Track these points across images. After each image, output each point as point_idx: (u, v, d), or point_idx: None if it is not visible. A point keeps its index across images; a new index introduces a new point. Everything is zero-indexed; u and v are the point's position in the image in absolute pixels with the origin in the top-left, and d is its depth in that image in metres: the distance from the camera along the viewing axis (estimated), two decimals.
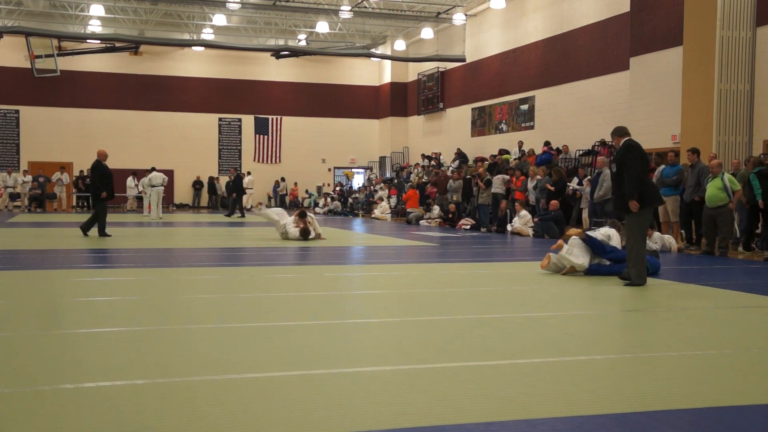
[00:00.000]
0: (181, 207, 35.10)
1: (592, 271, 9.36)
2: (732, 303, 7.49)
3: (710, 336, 5.87)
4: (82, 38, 30.76)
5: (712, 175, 12.80)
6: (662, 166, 14.70)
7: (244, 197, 27.60)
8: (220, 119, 36.35)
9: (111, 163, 34.05)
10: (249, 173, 33.33)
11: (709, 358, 4.98)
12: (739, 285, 8.77)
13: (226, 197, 35.22)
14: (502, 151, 25.70)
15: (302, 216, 15.53)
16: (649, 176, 8.85)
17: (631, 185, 8.49)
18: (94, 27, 31.47)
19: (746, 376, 4.54)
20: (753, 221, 13.78)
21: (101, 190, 15.49)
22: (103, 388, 4.04)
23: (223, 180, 35.55)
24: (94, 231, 15.61)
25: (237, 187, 26.68)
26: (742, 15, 16.12)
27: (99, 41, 31.59)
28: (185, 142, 35.30)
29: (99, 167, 15.86)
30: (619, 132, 9.00)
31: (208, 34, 32.63)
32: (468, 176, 22.51)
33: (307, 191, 36.67)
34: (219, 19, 30.21)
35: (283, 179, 35.66)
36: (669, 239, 13.54)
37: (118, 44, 31.65)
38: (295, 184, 35.96)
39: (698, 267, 10.52)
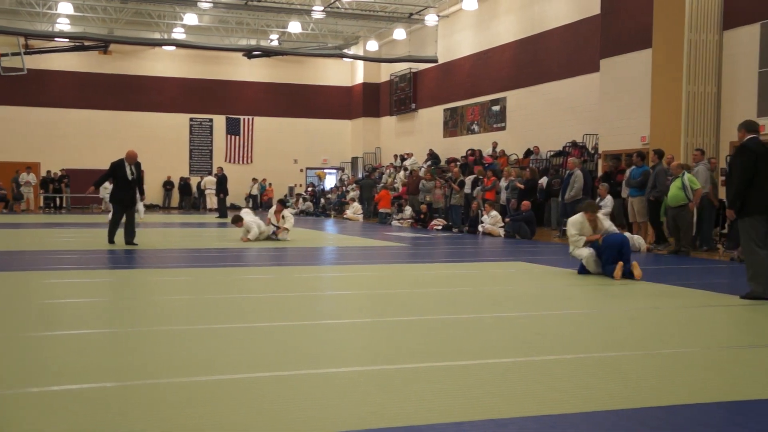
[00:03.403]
0: (151, 208, 34.75)
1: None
2: (699, 302, 7.59)
3: (678, 334, 5.95)
4: (50, 36, 30.33)
5: (674, 175, 13.07)
6: (632, 167, 14.93)
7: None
8: (191, 119, 36.08)
9: (79, 164, 33.45)
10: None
11: (677, 357, 5.05)
12: (705, 284, 8.89)
13: (197, 198, 35.06)
14: (470, 152, 25.87)
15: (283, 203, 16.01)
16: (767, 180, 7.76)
17: (731, 192, 7.89)
18: (62, 25, 31.06)
19: (713, 373, 4.60)
20: (712, 221, 14.14)
21: (114, 189, 13.96)
22: (72, 391, 3.98)
23: (194, 180, 35.34)
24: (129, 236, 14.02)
25: (222, 187, 26.24)
26: (709, 18, 16.37)
27: (67, 40, 31.18)
28: (156, 143, 34.94)
29: (114, 166, 13.89)
30: (746, 126, 8.03)
31: (179, 34, 32.38)
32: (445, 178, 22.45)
33: (290, 188, 36.25)
34: (190, 18, 29.98)
35: (254, 179, 35.43)
36: (638, 239, 13.69)
37: (86, 43, 31.26)
38: (270, 185, 35.65)
39: (666, 267, 10.65)
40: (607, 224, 9.96)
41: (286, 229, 15.42)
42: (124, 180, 13.71)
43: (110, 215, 21.11)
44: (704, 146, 16.14)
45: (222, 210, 26.19)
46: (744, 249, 7.92)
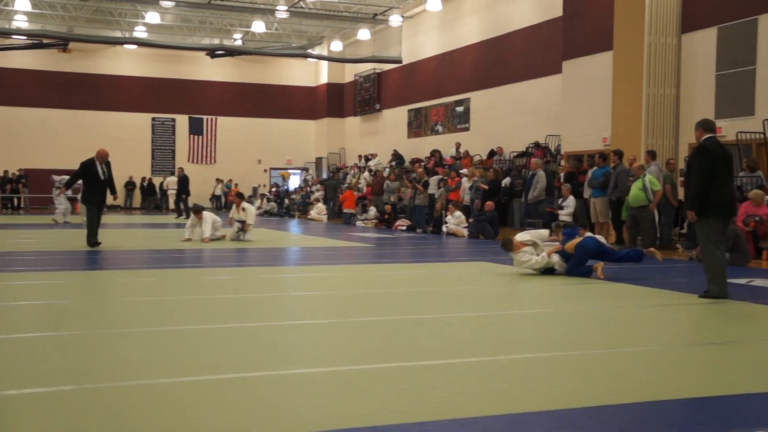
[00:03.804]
0: (112, 208, 34.23)
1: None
2: (659, 301, 7.70)
3: (638, 333, 6.03)
4: (7, 34, 29.70)
5: (635, 176, 13.26)
6: (594, 168, 15.11)
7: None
8: (153, 119, 35.67)
9: (37, 164, 32.86)
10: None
11: (638, 355, 5.12)
12: (665, 284, 9.03)
13: (160, 198, 34.66)
14: (434, 152, 26.06)
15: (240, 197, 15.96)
16: (726, 182, 7.77)
17: (691, 193, 7.75)
18: (20, 22, 30.44)
19: (673, 371, 4.68)
20: (671, 221, 14.41)
21: (86, 190, 13.51)
22: (29, 395, 3.91)
23: (157, 180, 34.96)
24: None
25: (183, 187, 25.95)
26: (668, 22, 16.66)
27: (25, 37, 30.56)
28: (117, 143, 34.30)
29: (84, 166, 13.39)
30: (703, 125, 7.92)
31: (140, 32, 31.96)
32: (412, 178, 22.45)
33: (254, 189, 35.90)
34: (152, 16, 29.61)
35: (218, 179, 35.11)
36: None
37: (45, 41, 30.71)
38: (236, 185, 35.13)
39: (626, 266, 10.78)
40: (535, 234, 10.04)
41: (250, 224, 15.35)
42: (96, 179, 13.26)
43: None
44: (663, 147, 16.43)
45: (179, 210, 25.90)
46: (702, 251, 7.95)
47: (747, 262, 11.47)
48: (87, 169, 13.31)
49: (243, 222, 15.40)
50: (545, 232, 10.44)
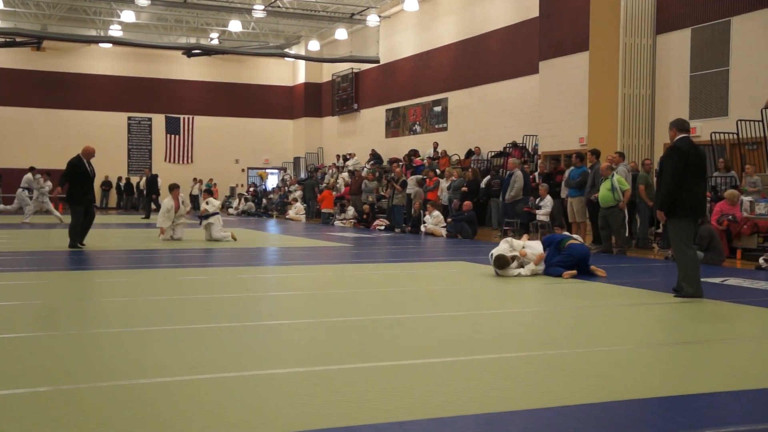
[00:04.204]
0: None
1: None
2: (635, 300, 7.78)
3: (614, 332, 6.08)
4: None
5: (603, 176, 13.28)
6: (571, 168, 15.20)
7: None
8: (129, 118, 35.38)
9: (11, 163, 32.46)
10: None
11: (614, 354, 5.16)
12: (641, 283, 9.13)
13: (136, 198, 34.38)
14: (412, 152, 26.12)
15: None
16: (696, 182, 7.80)
17: (660, 193, 7.86)
18: None
19: (648, 370, 4.73)
20: (646, 221, 14.54)
21: (73, 189, 12.93)
22: (3, 396, 3.86)
23: (134, 180, 34.69)
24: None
25: (152, 187, 25.90)
26: (643, 23, 16.84)
27: None
28: (92, 142, 33.34)
29: (73, 164, 13.01)
30: (677, 125, 7.96)
31: (116, 31, 31.69)
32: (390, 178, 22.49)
33: (231, 189, 35.56)
34: (128, 15, 29.36)
35: (195, 179, 34.87)
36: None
37: (18, 39, 30.32)
38: (215, 184, 34.80)
39: (603, 266, 10.87)
40: (510, 244, 10.00)
41: (207, 209, 15.71)
42: (85, 177, 12.92)
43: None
44: (639, 147, 16.59)
45: (149, 211, 25.80)
46: (675, 251, 8.01)
47: (721, 261, 11.61)
48: (77, 167, 12.93)
49: (208, 215, 15.65)
50: (517, 242, 10.26)
